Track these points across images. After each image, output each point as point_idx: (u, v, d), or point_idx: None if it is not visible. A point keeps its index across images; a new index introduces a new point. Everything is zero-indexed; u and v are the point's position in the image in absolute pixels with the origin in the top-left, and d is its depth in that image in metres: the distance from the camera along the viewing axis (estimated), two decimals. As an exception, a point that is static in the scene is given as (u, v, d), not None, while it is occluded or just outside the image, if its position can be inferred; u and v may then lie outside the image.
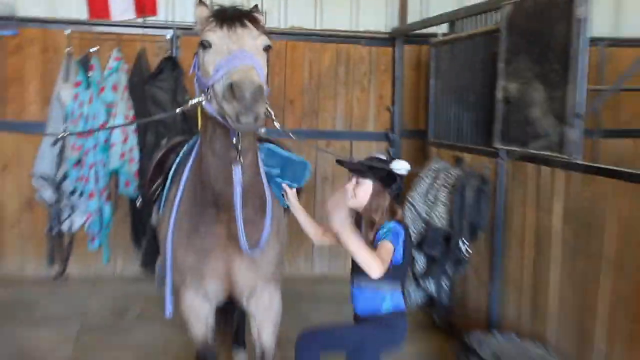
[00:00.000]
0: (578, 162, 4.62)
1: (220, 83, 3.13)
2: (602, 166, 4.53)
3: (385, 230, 3.82)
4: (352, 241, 3.57)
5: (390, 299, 3.94)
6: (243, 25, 3.33)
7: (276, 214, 4.03)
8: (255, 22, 3.42)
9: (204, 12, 3.50)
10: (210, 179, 3.58)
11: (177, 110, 3.96)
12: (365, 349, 3.92)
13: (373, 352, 3.95)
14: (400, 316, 4.01)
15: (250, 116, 2.99)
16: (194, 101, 3.50)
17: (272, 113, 3.50)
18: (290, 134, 4.14)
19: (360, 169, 3.95)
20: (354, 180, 3.97)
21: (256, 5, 3.72)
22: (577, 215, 4.56)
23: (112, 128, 7.38)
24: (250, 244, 3.71)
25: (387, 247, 3.74)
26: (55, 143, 7.43)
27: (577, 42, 4.56)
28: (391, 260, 3.77)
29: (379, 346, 3.95)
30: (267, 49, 3.41)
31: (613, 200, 4.19)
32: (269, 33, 3.63)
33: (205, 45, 3.35)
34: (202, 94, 3.40)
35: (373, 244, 3.81)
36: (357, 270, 3.88)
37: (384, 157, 4.15)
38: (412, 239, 5.96)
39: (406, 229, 3.97)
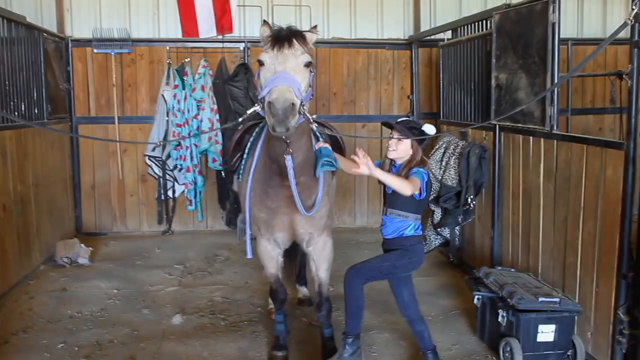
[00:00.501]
0: (556, 132, 4.61)
1: (266, 98, 3.19)
2: (575, 135, 4.53)
3: (415, 171, 3.84)
4: (385, 176, 3.71)
5: (412, 227, 3.95)
6: (290, 45, 3.32)
7: (327, 179, 4.02)
8: (303, 40, 3.39)
9: (266, 31, 3.48)
10: (275, 155, 3.62)
11: (240, 119, 3.98)
12: (396, 273, 3.99)
13: (403, 273, 4.02)
14: (418, 240, 4.02)
15: (282, 127, 3.10)
16: (252, 110, 3.57)
17: (311, 118, 3.48)
18: (327, 131, 4.22)
19: (403, 130, 3.93)
20: (395, 137, 3.94)
21: (315, 26, 3.71)
22: (557, 174, 4.54)
23: (208, 132, 7.49)
24: (306, 207, 3.76)
25: (415, 180, 3.78)
26: (153, 149, 7.78)
27: (551, 41, 4.55)
28: (416, 194, 3.81)
29: (405, 268, 3.99)
30: (308, 64, 3.38)
31: (585, 161, 4.16)
32: (318, 42, 3.65)
33: (260, 63, 3.39)
34: (258, 103, 3.44)
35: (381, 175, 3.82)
36: (391, 204, 3.98)
37: (415, 120, 4.17)
38: (431, 195, 6.01)
39: (429, 175, 3.97)
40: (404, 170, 3.92)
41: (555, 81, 4.53)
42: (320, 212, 3.95)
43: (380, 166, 3.98)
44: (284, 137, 3.31)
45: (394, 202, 3.96)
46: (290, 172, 3.53)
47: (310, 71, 3.43)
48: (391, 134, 4.01)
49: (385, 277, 4.06)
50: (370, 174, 3.65)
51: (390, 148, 3.98)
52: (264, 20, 3.62)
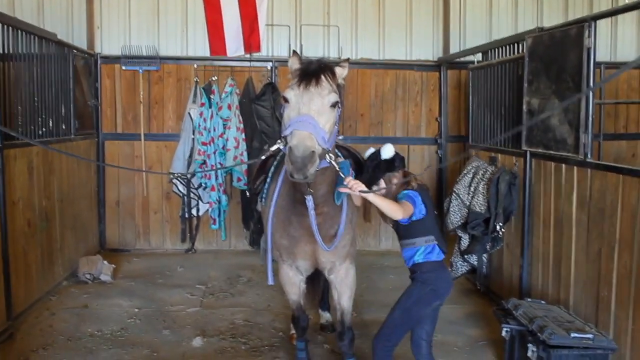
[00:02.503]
0: (590, 160, 4.49)
1: (288, 139, 3.13)
2: (610, 164, 4.39)
3: (400, 196, 3.67)
4: (377, 200, 3.50)
5: (423, 251, 3.70)
6: (318, 82, 3.23)
7: (350, 205, 3.95)
8: (332, 76, 3.31)
9: (295, 64, 3.40)
10: (299, 185, 3.50)
11: (262, 157, 4.05)
12: (419, 312, 3.72)
13: (426, 308, 3.72)
14: (433, 267, 3.74)
15: (300, 175, 3.03)
16: (275, 147, 3.49)
17: (333, 157, 3.35)
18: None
19: (381, 177, 3.78)
20: (383, 192, 3.75)
21: (348, 59, 3.61)
22: (591, 203, 4.41)
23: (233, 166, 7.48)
24: (329, 237, 3.71)
25: (406, 203, 3.60)
26: (173, 178, 7.80)
27: (586, 66, 4.43)
28: (413, 214, 3.63)
29: (424, 302, 3.71)
30: (334, 104, 3.28)
31: (621, 191, 4.03)
32: (346, 60, 3.56)
33: (285, 100, 3.30)
34: (281, 140, 3.37)
35: (380, 188, 3.75)
36: (399, 235, 3.82)
37: (372, 152, 3.90)
38: (458, 222, 5.88)
39: (423, 191, 3.76)
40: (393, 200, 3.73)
41: (591, 107, 4.41)
42: (342, 241, 3.86)
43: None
44: (302, 182, 3.24)
45: (400, 232, 3.80)
46: (311, 213, 3.49)
47: (338, 108, 3.33)
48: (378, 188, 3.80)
49: (407, 325, 3.79)
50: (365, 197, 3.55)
51: (394, 210, 3.67)
52: (294, 51, 3.55)
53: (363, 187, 3.44)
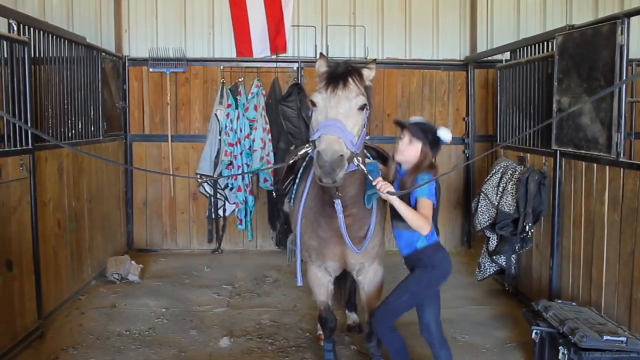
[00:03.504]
0: (623, 160, 4.40)
1: (316, 143, 3.11)
2: (643, 163, 4.30)
3: (419, 192, 3.55)
4: (402, 208, 3.45)
5: (424, 237, 3.66)
6: (345, 85, 3.20)
7: (380, 207, 3.91)
8: (359, 78, 3.28)
9: (322, 66, 3.40)
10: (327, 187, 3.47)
11: (290, 161, 4.08)
12: (422, 297, 3.75)
13: (429, 292, 3.76)
14: (435, 249, 3.73)
15: (329, 179, 3.01)
16: (303, 151, 3.56)
17: (361, 160, 3.34)
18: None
19: (416, 131, 3.65)
20: (406, 139, 3.67)
21: (374, 60, 3.57)
22: (623, 203, 4.31)
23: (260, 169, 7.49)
24: (358, 238, 3.70)
25: (426, 204, 3.52)
26: (201, 183, 7.86)
27: (619, 64, 4.35)
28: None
29: (429, 287, 3.74)
30: (362, 107, 3.25)
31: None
32: (373, 62, 3.52)
33: (313, 104, 3.28)
34: (309, 144, 3.38)
35: (410, 189, 3.56)
36: (395, 217, 3.70)
37: (429, 124, 3.81)
38: (486, 222, 5.81)
39: (437, 181, 3.68)
40: (410, 178, 3.63)
41: (623, 105, 4.32)
42: (372, 242, 3.84)
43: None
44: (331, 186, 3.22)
45: (398, 216, 3.63)
46: (340, 216, 3.49)
47: (366, 110, 3.30)
48: (401, 134, 3.73)
49: (412, 307, 3.82)
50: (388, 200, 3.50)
51: (399, 149, 3.71)
52: (321, 54, 3.54)
53: (391, 189, 3.40)
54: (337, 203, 3.44)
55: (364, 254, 3.86)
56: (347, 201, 3.53)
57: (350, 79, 3.23)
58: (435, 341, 3.79)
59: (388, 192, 3.38)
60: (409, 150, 3.68)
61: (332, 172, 2.98)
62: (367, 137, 3.64)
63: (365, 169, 3.38)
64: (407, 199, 3.61)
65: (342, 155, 3.01)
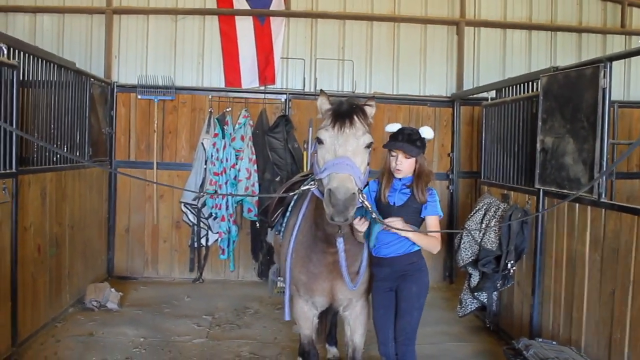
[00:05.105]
0: (604, 200, 4.45)
1: (324, 181, 3.11)
2: (625, 204, 4.35)
3: (432, 198, 3.77)
4: (415, 236, 3.67)
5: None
6: (352, 123, 3.21)
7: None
8: (364, 116, 3.30)
9: (325, 104, 3.42)
10: (322, 223, 3.50)
11: (290, 193, 4.07)
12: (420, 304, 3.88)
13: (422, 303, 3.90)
14: (421, 255, 3.88)
15: (342, 218, 3.00)
16: (307, 187, 3.54)
17: (365, 197, 3.39)
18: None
19: (409, 148, 3.75)
20: (400, 155, 3.77)
21: (373, 97, 3.61)
22: (604, 244, 4.36)
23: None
24: (352, 275, 3.69)
25: (436, 222, 3.75)
26: (195, 199, 7.75)
27: (601, 106, 4.44)
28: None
29: (425, 292, 3.89)
30: (369, 145, 3.28)
31: (636, 232, 3.98)
32: (359, 97, 3.55)
33: (320, 141, 3.27)
34: (313, 182, 3.41)
35: (422, 207, 3.77)
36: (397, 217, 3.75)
37: (409, 127, 3.93)
38: (469, 258, 5.83)
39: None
40: (419, 192, 3.74)
41: (605, 147, 4.40)
42: (362, 277, 3.85)
43: (379, 184, 3.90)
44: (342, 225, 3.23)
45: (401, 216, 3.72)
46: (342, 255, 3.48)
47: (371, 148, 3.33)
48: (393, 152, 3.83)
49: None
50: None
51: (398, 167, 3.79)
52: (321, 90, 3.55)
53: (400, 225, 3.54)
54: (340, 241, 3.43)
55: (355, 289, 3.84)
56: (343, 237, 3.52)
57: (355, 117, 3.25)
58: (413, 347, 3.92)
59: (400, 229, 3.53)
60: (406, 165, 3.80)
61: (345, 210, 2.97)
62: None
63: (369, 206, 3.40)
64: (416, 213, 3.77)
65: (354, 193, 3.00)
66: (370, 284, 4.06)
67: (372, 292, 4.02)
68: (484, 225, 5.78)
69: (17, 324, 5.07)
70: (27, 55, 5.38)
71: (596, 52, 8.73)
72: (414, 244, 3.79)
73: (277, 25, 8.41)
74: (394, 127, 3.91)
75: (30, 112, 5.52)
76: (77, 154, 6.70)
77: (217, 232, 7.88)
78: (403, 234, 3.62)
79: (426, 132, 3.82)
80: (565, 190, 4.89)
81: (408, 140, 3.78)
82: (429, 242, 3.74)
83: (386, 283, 3.90)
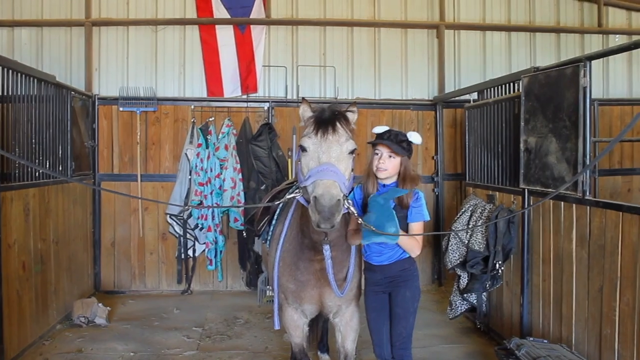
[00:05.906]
0: (589, 198, 4.50)
1: (309, 189, 3.10)
2: (609, 201, 4.39)
3: (418, 202, 3.74)
4: (403, 239, 3.65)
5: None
6: (334, 130, 3.21)
7: (357, 249, 3.92)
8: (346, 122, 3.30)
9: (307, 111, 3.41)
10: (308, 231, 3.50)
11: (276, 202, 4.06)
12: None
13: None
14: (413, 260, 3.89)
15: (328, 225, 2.99)
16: (291, 195, 3.50)
17: (351, 203, 3.38)
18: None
19: (394, 146, 3.70)
20: (385, 154, 3.72)
21: (355, 103, 3.59)
22: (591, 240, 4.40)
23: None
24: (338, 280, 3.65)
25: (420, 227, 3.74)
26: (180, 212, 7.70)
27: (582, 105, 4.49)
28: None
29: (418, 297, 3.92)
30: (352, 151, 3.27)
31: (621, 228, 4.03)
32: (341, 103, 3.55)
33: (303, 149, 3.27)
34: (298, 190, 3.38)
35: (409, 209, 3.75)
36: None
37: (400, 132, 3.85)
38: (457, 260, 5.86)
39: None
40: (406, 196, 3.71)
41: (588, 145, 4.44)
42: (351, 284, 3.83)
43: (363, 188, 3.87)
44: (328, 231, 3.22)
45: None
46: (328, 262, 3.46)
47: (354, 154, 3.32)
48: (377, 150, 3.78)
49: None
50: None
51: (381, 168, 3.74)
52: (303, 98, 3.54)
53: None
54: (327, 249, 3.41)
55: (343, 296, 3.83)
56: (330, 244, 3.52)
57: (338, 124, 3.25)
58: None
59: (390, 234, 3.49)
60: (389, 165, 3.74)
61: (330, 216, 2.96)
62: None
63: (355, 212, 3.40)
64: (403, 220, 3.73)
65: (339, 200, 3.00)
66: (360, 290, 4.06)
67: (365, 295, 4.02)
68: (470, 227, 5.81)
69: (3, 342, 4.99)
70: (5, 69, 5.33)
71: (575, 52, 8.84)
72: (402, 251, 3.80)
73: (258, 33, 8.41)
74: (381, 129, 3.88)
75: (10, 127, 5.46)
76: (60, 168, 6.64)
77: (204, 243, 7.84)
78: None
79: (414, 137, 3.79)
80: (550, 189, 4.93)
81: (395, 139, 3.75)
82: (409, 243, 3.68)
83: (379, 287, 3.92)
